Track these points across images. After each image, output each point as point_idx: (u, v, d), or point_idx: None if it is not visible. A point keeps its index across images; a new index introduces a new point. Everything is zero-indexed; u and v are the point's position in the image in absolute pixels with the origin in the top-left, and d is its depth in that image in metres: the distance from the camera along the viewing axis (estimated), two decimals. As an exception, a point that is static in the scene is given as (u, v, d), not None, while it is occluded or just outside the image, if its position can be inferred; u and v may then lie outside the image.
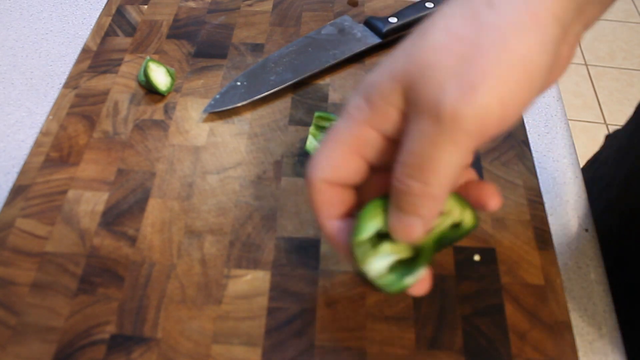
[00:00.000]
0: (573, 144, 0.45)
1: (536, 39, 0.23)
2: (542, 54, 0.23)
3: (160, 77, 0.46)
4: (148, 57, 0.46)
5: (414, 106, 0.24)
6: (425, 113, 0.24)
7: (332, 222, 0.29)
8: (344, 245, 0.28)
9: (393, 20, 0.50)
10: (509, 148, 0.43)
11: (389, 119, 0.26)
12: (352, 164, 0.28)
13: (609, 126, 1.60)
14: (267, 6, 0.54)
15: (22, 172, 0.41)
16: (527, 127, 0.46)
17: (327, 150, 0.28)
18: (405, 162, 0.25)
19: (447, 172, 0.24)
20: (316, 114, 0.42)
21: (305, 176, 0.28)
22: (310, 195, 0.28)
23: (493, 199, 0.29)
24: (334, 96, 0.46)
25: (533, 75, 0.23)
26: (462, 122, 0.23)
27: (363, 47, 0.49)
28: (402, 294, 0.28)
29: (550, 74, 0.25)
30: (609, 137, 0.57)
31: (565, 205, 0.41)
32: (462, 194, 0.29)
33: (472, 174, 0.30)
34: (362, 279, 0.28)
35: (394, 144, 0.27)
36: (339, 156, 0.27)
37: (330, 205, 0.29)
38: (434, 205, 0.26)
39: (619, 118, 1.62)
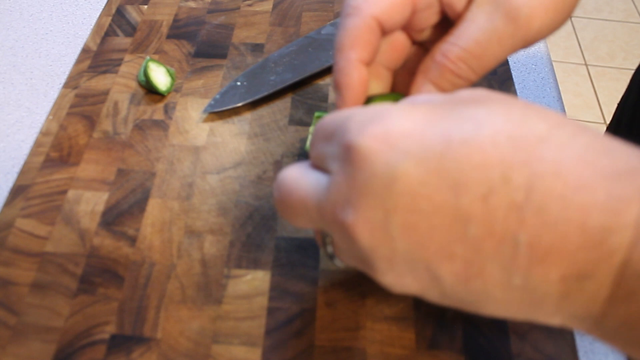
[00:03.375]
0: (573, 144, 0.45)
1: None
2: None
3: (160, 77, 0.46)
4: (148, 57, 0.46)
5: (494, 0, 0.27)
6: (502, 11, 0.27)
7: (361, 67, 0.28)
8: (356, 96, 0.28)
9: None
10: (509, 148, 0.43)
11: None
12: (406, 12, 0.28)
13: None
14: (267, 6, 0.54)
15: (22, 172, 0.41)
16: (527, 127, 0.46)
17: None
18: (465, 46, 0.27)
19: (494, 66, 0.28)
20: (316, 114, 0.42)
21: (354, 3, 0.28)
22: (353, 27, 0.28)
23: None
24: (334, 96, 0.46)
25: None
26: (530, 27, 0.27)
27: (363, 47, 0.49)
28: None
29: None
30: None
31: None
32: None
33: None
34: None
35: (439, 13, 0.29)
36: None
37: (368, 47, 0.28)
38: (465, 88, 0.28)
39: (619, 118, 1.61)
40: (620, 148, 0.20)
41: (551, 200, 0.19)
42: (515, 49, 0.28)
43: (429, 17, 0.29)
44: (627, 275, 0.19)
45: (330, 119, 0.25)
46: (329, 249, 0.27)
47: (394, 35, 0.30)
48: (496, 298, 0.22)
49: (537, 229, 0.19)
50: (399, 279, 0.23)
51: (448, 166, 0.20)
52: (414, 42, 0.32)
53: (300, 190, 0.24)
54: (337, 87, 0.28)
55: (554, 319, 0.22)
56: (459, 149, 0.20)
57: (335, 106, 0.29)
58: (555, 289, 0.20)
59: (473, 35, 0.27)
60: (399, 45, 0.31)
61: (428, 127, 0.21)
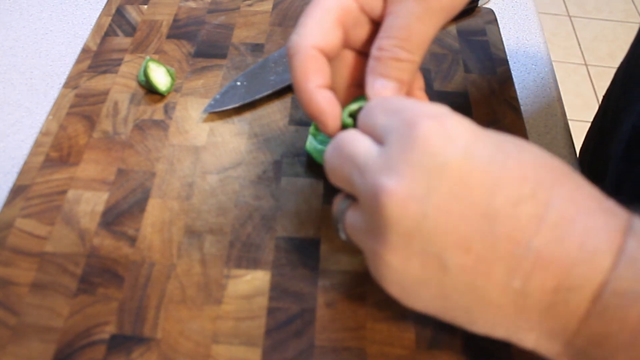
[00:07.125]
0: (573, 143, 0.45)
1: None
2: None
3: (160, 77, 0.46)
4: (148, 57, 0.46)
5: None
6: None
7: (322, 90, 0.30)
8: (333, 114, 0.30)
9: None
10: (509, 148, 0.43)
11: None
12: (338, 33, 0.31)
13: (609, 126, 1.60)
14: (267, 6, 0.54)
15: (22, 172, 0.41)
16: (527, 127, 0.46)
17: (316, 18, 0.30)
18: (393, 35, 0.30)
19: (426, 42, 0.30)
20: (316, 114, 0.42)
21: (292, 44, 0.30)
22: (299, 62, 0.30)
23: None
24: (334, 96, 0.46)
25: None
26: (440, 0, 0.29)
27: (363, 47, 0.49)
28: None
29: None
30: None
31: (565, 205, 0.41)
32: None
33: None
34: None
35: (369, 23, 0.32)
36: (327, 23, 0.30)
37: (319, 73, 0.30)
38: (413, 71, 0.31)
39: (619, 118, 1.61)
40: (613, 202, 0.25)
41: (563, 220, 0.23)
42: (440, 21, 0.30)
43: (363, 29, 0.32)
44: (604, 294, 0.22)
45: (396, 99, 0.28)
46: (340, 215, 0.29)
47: (343, 56, 0.33)
48: (491, 301, 0.24)
49: (548, 240, 0.23)
50: (404, 261, 0.24)
51: (495, 169, 0.23)
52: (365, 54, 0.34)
53: (354, 146, 0.27)
54: (313, 117, 0.30)
55: (530, 336, 0.24)
56: (506, 159, 0.24)
57: (322, 131, 0.31)
58: (546, 297, 0.23)
59: (395, 23, 0.30)
60: (350, 61, 0.33)
61: (483, 134, 0.25)
